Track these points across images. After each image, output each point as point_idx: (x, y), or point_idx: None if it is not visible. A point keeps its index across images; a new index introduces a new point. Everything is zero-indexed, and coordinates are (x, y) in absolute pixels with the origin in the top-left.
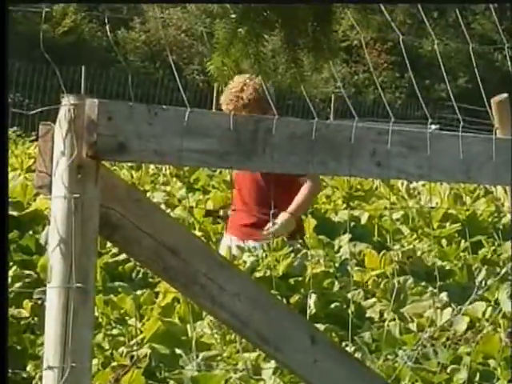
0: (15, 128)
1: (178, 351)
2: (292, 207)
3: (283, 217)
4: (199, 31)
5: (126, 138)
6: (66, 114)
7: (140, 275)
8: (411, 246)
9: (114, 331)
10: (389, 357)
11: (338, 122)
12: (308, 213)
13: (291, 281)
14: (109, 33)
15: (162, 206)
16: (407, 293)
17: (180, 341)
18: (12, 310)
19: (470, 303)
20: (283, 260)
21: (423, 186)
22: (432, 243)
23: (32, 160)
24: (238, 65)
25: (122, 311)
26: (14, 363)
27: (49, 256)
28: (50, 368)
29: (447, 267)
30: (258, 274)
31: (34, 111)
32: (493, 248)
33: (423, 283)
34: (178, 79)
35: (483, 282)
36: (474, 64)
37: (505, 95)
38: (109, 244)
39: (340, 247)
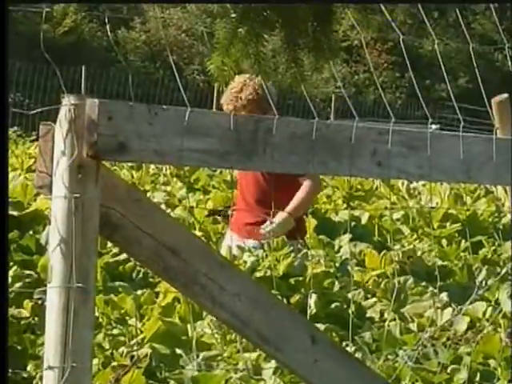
0: (15, 128)
1: (178, 351)
2: (290, 207)
3: (281, 216)
4: (199, 31)
5: (127, 138)
6: (66, 114)
7: (140, 275)
8: (411, 246)
9: (115, 331)
10: (389, 357)
11: (339, 122)
12: (308, 213)
13: (292, 281)
14: (109, 33)
15: (163, 206)
16: (407, 293)
17: (180, 341)
18: (12, 310)
19: (471, 303)
20: (283, 260)
21: (423, 185)
22: (432, 243)
23: (32, 160)
24: (238, 65)
25: (123, 311)
26: (14, 363)
27: (49, 256)
28: (50, 368)
29: (448, 267)
30: (258, 274)
31: (35, 111)
32: (493, 248)
33: (423, 283)
34: (178, 79)
35: (483, 282)
36: (475, 64)
37: (505, 95)
38: (109, 244)
39: (340, 247)
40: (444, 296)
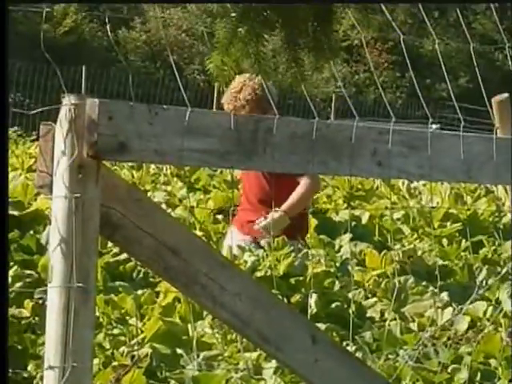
0: (16, 128)
1: (178, 351)
2: (286, 204)
3: (275, 213)
4: (200, 31)
5: (127, 138)
6: (66, 114)
7: (141, 275)
8: (412, 246)
9: (115, 331)
10: (390, 356)
11: (339, 122)
12: (309, 213)
13: (292, 280)
14: (109, 33)
15: (163, 206)
16: (408, 292)
17: (181, 340)
18: (13, 310)
19: (471, 303)
20: (284, 260)
21: (424, 185)
22: (433, 243)
23: (33, 160)
24: (238, 64)
25: (123, 311)
26: (14, 363)
27: (50, 256)
28: (50, 368)
29: (448, 267)
30: (258, 274)
31: (35, 111)
32: (493, 247)
33: (424, 283)
34: (178, 79)
35: (484, 282)
36: (475, 63)
37: (505, 95)
38: (110, 244)
39: (341, 247)
40: (444, 295)
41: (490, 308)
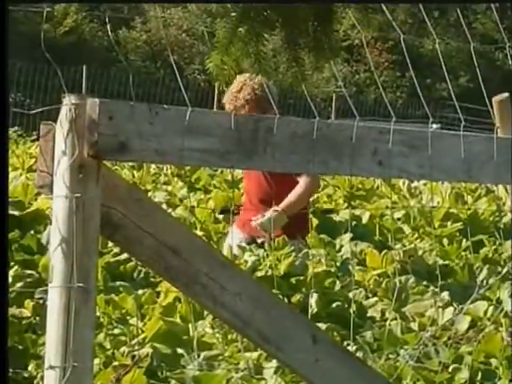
0: (16, 128)
1: (179, 351)
2: (283, 203)
3: (273, 211)
4: (200, 31)
5: (127, 138)
6: (67, 114)
7: (141, 275)
8: (412, 246)
9: (116, 331)
10: (390, 356)
11: (339, 122)
12: (310, 212)
13: (292, 280)
14: (110, 32)
15: (164, 206)
16: (408, 292)
17: (181, 340)
18: (13, 310)
19: (472, 302)
20: (284, 259)
21: (424, 185)
22: (433, 242)
23: (33, 160)
24: (238, 64)
25: (124, 311)
26: (15, 363)
27: (50, 256)
28: (51, 368)
29: (449, 266)
30: (259, 274)
31: (35, 111)
32: (494, 247)
33: (424, 282)
34: (179, 79)
35: (485, 281)
36: (476, 63)
37: (506, 94)
38: (110, 243)
39: (341, 246)
40: (445, 295)
41: (491, 308)
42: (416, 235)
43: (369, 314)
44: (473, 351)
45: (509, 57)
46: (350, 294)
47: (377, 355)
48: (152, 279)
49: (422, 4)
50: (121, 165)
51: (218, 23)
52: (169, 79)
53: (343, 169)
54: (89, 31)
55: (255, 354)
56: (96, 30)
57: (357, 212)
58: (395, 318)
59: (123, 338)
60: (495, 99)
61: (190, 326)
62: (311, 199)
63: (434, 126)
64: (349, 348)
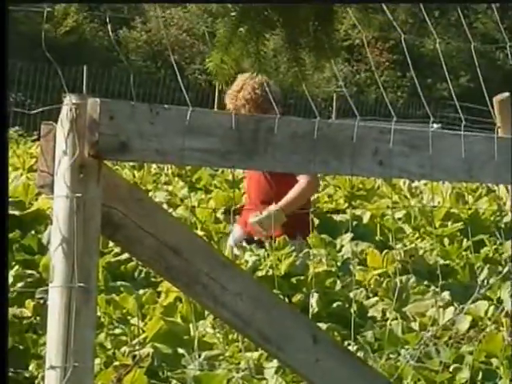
0: (17, 127)
1: (180, 350)
2: (282, 201)
3: (270, 208)
4: (201, 31)
5: (128, 138)
6: (67, 114)
7: (142, 275)
8: (413, 245)
9: (117, 331)
10: (391, 356)
11: (340, 121)
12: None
13: (293, 280)
14: (110, 32)
15: (164, 206)
16: (409, 292)
17: (182, 340)
18: (14, 310)
19: (473, 302)
20: (285, 259)
21: (425, 185)
22: (434, 242)
23: (34, 159)
24: (238, 63)
25: (124, 311)
26: (16, 363)
27: (51, 255)
28: (52, 368)
29: (449, 266)
30: (260, 274)
31: (36, 111)
32: (495, 247)
33: (425, 282)
34: (179, 79)
35: (485, 281)
36: (476, 63)
37: (506, 94)
38: (111, 243)
39: (342, 246)
40: (446, 295)
41: (492, 307)
42: (417, 235)
43: (369, 314)
44: (474, 351)
45: (509, 56)
46: (351, 294)
47: (377, 355)
48: (153, 279)
49: (423, 4)
50: (121, 165)
51: (218, 23)
52: (169, 79)
53: (344, 169)
54: (89, 31)
55: (256, 354)
56: (96, 29)
57: (357, 212)
58: (396, 318)
59: (124, 337)
60: (496, 99)
61: (190, 325)
62: (312, 199)
63: (435, 125)
64: (349, 348)
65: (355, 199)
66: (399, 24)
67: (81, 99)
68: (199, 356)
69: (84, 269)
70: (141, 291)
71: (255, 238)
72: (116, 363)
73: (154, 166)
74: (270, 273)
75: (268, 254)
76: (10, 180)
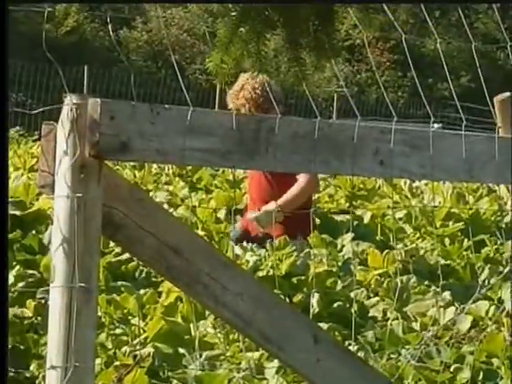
0: (18, 127)
1: (181, 350)
2: (281, 199)
3: (268, 206)
4: (201, 31)
5: (129, 138)
6: (68, 114)
7: (143, 274)
8: (414, 245)
9: (117, 331)
10: (392, 356)
11: (341, 121)
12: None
13: (294, 280)
14: (111, 32)
15: (165, 206)
16: (410, 292)
17: (183, 340)
18: (15, 310)
19: (473, 302)
20: (286, 259)
21: (426, 185)
22: (435, 242)
23: (35, 159)
24: (238, 63)
25: (125, 311)
26: (17, 363)
27: (52, 255)
28: (53, 367)
29: (450, 266)
30: (260, 274)
31: (37, 111)
32: (496, 247)
33: (426, 282)
34: (180, 79)
35: (486, 281)
36: (477, 63)
37: (507, 94)
38: (112, 243)
39: (343, 246)
40: (447, 295)
41: (493, 307)
42: (417, 235)
43: (370, 314)
44: (474, 351)
45: (510, 56)
46: (352, 294)
47: (378, 355)
48: (153, 279)
49: (424, 4)
50: (122, 165)
51: (219, 23)
52: (170, 79)
53: (345, 168)
54: (90, 31)
55: (257, 354)
56: (97, 30)
57: (358, 212)
58: (397, 318)
59: (125, 337)
60: (496, 99)
61: (191, 325)
62: (313, 199)
63: (436, 125)
64: (350, 348)
65: (356, 199)
66: (400, 24)
67: (81, 99)
68: (200, 356)
69: (85, 269)
70: (142, 291)
71: (252, 235)
72: (117, 363)
73: (155, 166)
74: (271, 273)
75: (269, 254)
76: (11, 180)
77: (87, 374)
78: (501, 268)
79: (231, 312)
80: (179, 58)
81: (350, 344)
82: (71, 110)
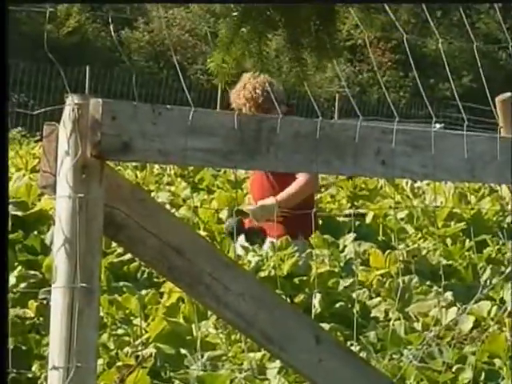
0: (20, 128)
1: (183, 351)
2: (280, 194)
3: (267, 200)
4: (203, 31)
5: (131, 138)
6: (70, 114)
7: (145, 275)
8: (416, 245)
9: (119, 331)
10: (394, 356)
11: (343, 121)
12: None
13: (296, 280)
14: (113, 33)
15: (167, 206)
16: (412, 292)
17: (185, 341)
18: (17, 310)
19: (475, 302)
20: (288, 259)
21: (428, 185)
22: (437, 242)
23: (36, 160)
24: (239, 63)
25: (127, 311)
26: (19, 363)
27: (54, 256)
28: (55, 368)
29: (452, 266)
30: (262, 274)
31: (39, 111)
32: (497, 247)
33: (428, 282)
34: (182, 79)
35: (488, 281)
36: (479, 63)
37: (509, 94)
38: (114, 244)
39: (345, 246)
40: (449, 295)
41: (495, 307)
42: (419, 235)
43: (372, 314)
44: (476, 351)
45: None
46: (354, 294)
47: (380, 355)
48: (155, 279)
49: (425, 4)
50: (124, 165)
51: (220, 23)
52: (172, 79)
53: (346, 168)
54: (92, 31)
55: (259, 355)
56: (99, 30)
57: (360, 212)
58: (399, 318)
59: (127, 338)
60: (498, 99)
61: (193, 326)
62: (315, 199)
63: (437, 125)
64: (352, 348)
65: (358, 199)
66: (401, 24)
67: (83, 99)
68: (202, 356)
69: (87, 269)
70: (143, 291)
71: (246, 227)
72: (119, 363)
73: (157, 166)
74: (273, 273)
75: (270, 256)
76: (12, 180)
77: (89, 375)
78: (503, 268)
79: (233, 312)
80: (181, 58)
81: (351, 344)
82: (73, 110)
